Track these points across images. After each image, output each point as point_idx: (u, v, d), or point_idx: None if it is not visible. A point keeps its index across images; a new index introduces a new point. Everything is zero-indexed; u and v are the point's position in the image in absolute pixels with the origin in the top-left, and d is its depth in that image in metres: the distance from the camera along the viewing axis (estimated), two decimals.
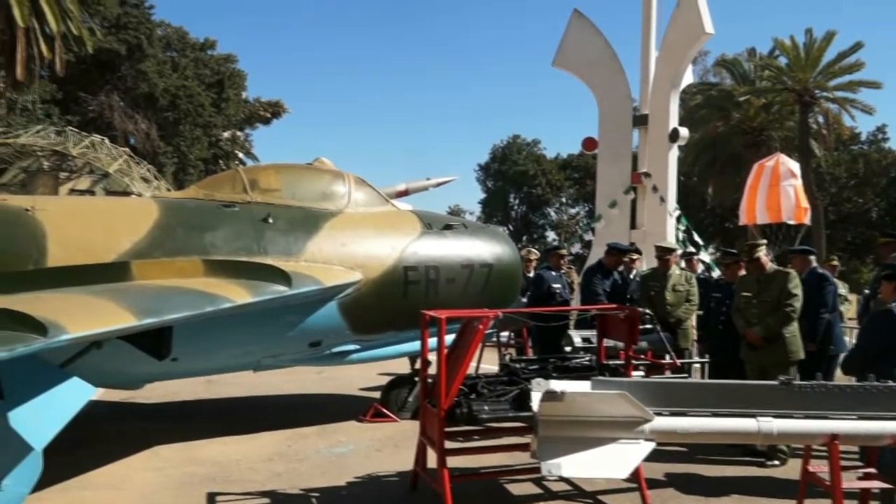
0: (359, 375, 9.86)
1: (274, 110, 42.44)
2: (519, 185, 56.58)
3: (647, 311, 6.38)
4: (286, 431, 7.19)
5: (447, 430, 4.96)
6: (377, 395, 8.29)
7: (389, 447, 6.68)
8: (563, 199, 58.58)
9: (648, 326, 6.43)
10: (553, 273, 8.66)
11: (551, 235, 58.86)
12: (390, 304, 6.89)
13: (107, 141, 20.87)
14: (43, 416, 3.98)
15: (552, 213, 59.66)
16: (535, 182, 54.65)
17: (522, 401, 4.89)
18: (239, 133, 42.25)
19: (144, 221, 6.00)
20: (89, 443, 6.49)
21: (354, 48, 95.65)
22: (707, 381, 6.47)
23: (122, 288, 4.94)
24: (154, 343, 5.00)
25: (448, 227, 7.51)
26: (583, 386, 4.20)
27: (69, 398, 4.09)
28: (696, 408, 4.27)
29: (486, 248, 7.54)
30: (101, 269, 5.26)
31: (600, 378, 4.55)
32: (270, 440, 6.92)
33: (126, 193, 18.74)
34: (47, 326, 3.52)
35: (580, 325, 7.63)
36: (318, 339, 6.74)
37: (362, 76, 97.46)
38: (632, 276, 8.60)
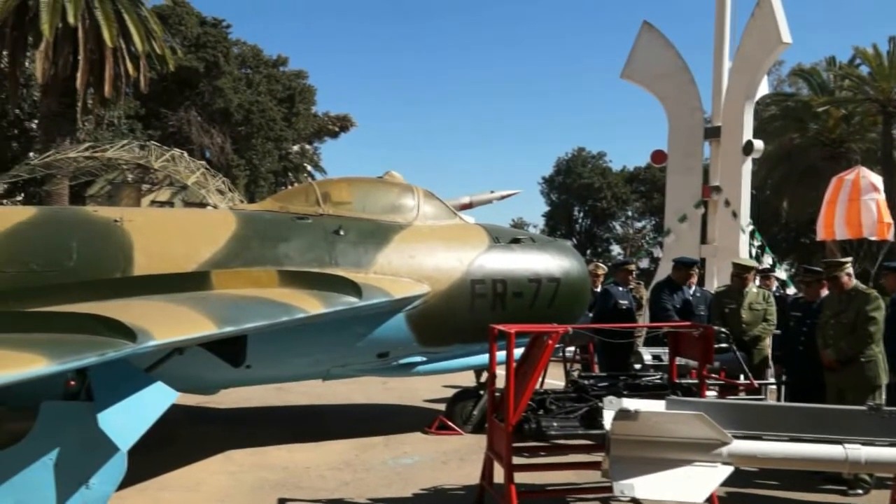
0: (423, 387, 9.91)
1: (342, 124, 43.41)
2: (583, 199, 55.93)
3: (723, 329, 6.19)
4: (353, 441, 7.28)
5: (515, 445, 4.93)
6: (442, 407, 8.31)
7: (455, 460, 6.68)
8: (629, 213, 57.57)
9: (723, 345, 6.23)
10: (620, 289, 8.52)
11: (616, 249, 57.89)
12: (457, 316, 6.91)
13: (185, 154, 21.82)
14: (129, 418, 4.16)
15: (617, 227, 58.70)
16: (600, 195, 53.93)
17: (592, 418, 4.82)
18: (308, 146, 43.39)
19: (223, 232, 6.23)
20: (166, 445, 6.75)
21: (420, 62, 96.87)
22: (788, 404, 6.22)
23: (203, 296, 5.13)
24: (231, 350, 5.18)
25: (516, 240, 7.50)
26: (657, 405, 4.10)
27: (154, 401, 4.26)
28: (775, 431, 4.11)
29: (553, 263, 7.48)
30: (183, 278, 5.48)
31: (675, 398, 4.44)
32: (338, 449, 7.02)
33: (202, 205, 19.51)
34: (136, 332, 3.69)
35: (649, 342, 7.46)
36: (386, 351, 6.83)
37: (427, 89, 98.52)
38: (691, 292, 8.32)
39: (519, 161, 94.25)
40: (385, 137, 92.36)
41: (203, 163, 22.62)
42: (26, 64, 23.01)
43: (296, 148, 40.30)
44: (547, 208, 58.33)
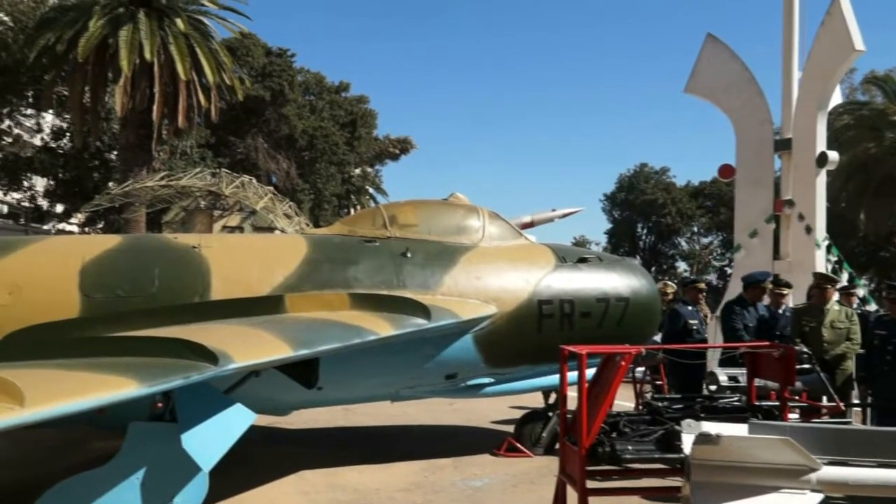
0: (490, 408, 9.85)
1: (402, 146, 44.06)
2: (647, 215, 54.88)
3: (805, 349, 5.94)
4: (422, 462, 7.29)
5: (588, 469, 4.83)
6: (509, 428, 8.24)
7: (525, 483, 6.60)
8: (695, 229, 56.14)
9: (806, 366, 5.97)
10: (689, 308, 8.30)
11: (682, 266, 56.49)
12: (525, 337, 6.87)
13: (254, 180, 22.54)
14: (211, 439, 4.30)
15: (683, 243, 57.31)
16: (664, 211, 52.81)
17: (669, 442, 4.68)
18: (369, 169, 44.19)
19: (294, 257, 6.40)
20: (241, 465, 6.91)
21: (478, 83, 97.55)
22: (878, 427, 5.89)
23: (278, 320, 5.27)
24: (304, 372, 5.29)
25: (583, 260, 7.42)
26: (739, 429, 3.96)
27: (234, 422, 4.39)
28: (864, 457, 3.90)
29: (622, 282, 7.36)
30: (258, 302, 5.64)
31: (758, 421, 4.28)
32: (407, 470, 7.04)
33: (271, 229, 20.07)
34: (218, 356, 3.82)
35: (724, 362, 7.23)
36: (454, 372, 6.84)
37: (486, 109, 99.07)
38: (780, 311, 8.05)
39: (580, 178, 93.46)
40: (445, 159, 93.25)
41: (270, 188, 23.31)
42: (106, 98, 24.30)
43: (357, 171, 41.09)
44: (609, 225, 57.50)
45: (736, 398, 5.60)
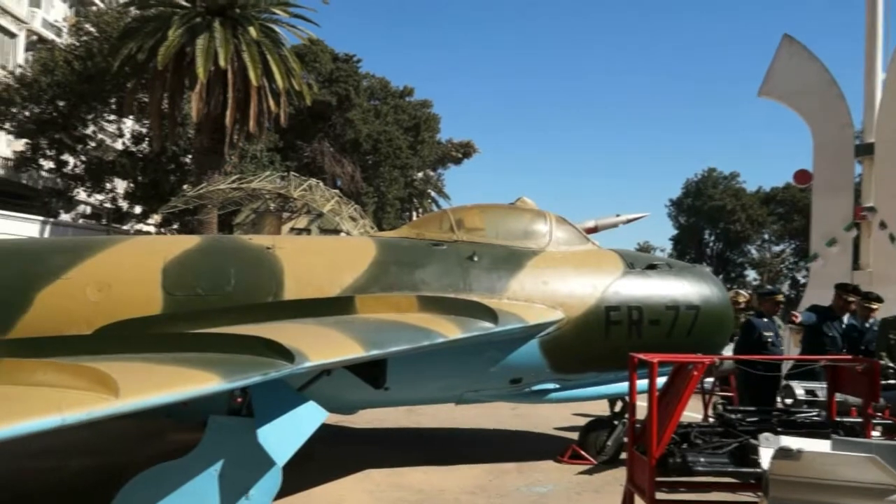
0: (553, 414, 9.78)
1: (465, 150, 44.23)
2: (715, 221, 53.39)
3: (891, 364, 5.67)
4: (485, 466, 7.30)
5: (658, 479, 4.75)
6: (573, 435, 8.17)
7: (590, 491, 6.53)
8: (766, 236, 54.29)
9: (891, 381, 5.71)
10: (764, 320, 8.02)
11: (751, 274, 54.66)
12: (591, 344, 6.81)
13: (321, 184, 23.07)
14: (285, 435, 4.43)
15: (753, 251, 55.47)
16: (733, 218, 51.27)
17: (743, 455, 4.56)
18: (432, 173, 44.55)
19: (364, 259, 6.52)
20: (308, 461, 7.07)
21: (541, 87, 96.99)
22: None
23: (350, 320, 5.38)
24: (372, 373, 5.39)
25: (652, 266, 7.29)
26: (822, 445, 3.82)
27: (306, 419, 4.52)
28: None
29: (692, 290, 7.19)
30: (330, 303, 5.77)
31: (841, 438, 4.11)
32: (471, 473, 7.06)
33: (336, 231, 20.49)
34: (294, 354, 3.94)
35: (800, 375, 6.96)
36: (519, 377, 6.83)
37: (549, 113, 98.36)
38: (867, 325, 7.68)
39: (645, 183, 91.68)
40: (507, 162, 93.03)
41: (336, 191, 23.83)
42: (182, 104, 25.32)
43: (420, 175, 41.47)
44: (675, 231, 56.23)
45: (815, 413, 5.40)
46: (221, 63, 22.04)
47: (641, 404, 5.22)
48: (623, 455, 7.43)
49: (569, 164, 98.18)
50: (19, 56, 32.35)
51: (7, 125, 27.92)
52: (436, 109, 41.19)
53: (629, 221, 27.04)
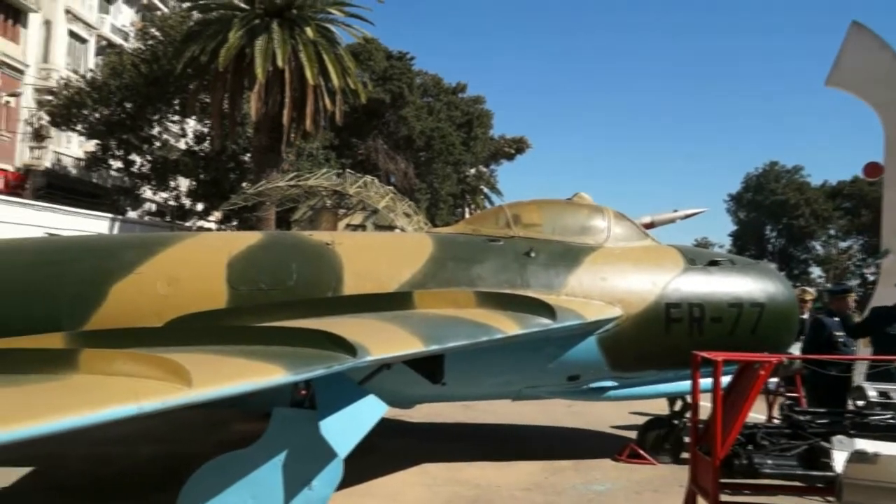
0: (610, 412, 9.66)
1: (518, 146, 44.02)
2: (777, 217, 51.74)
3: None
4: (541, 462, 7.27)
5: (721, 481, 4.64)
6: (630, 434, 8.05)
7: (649, 491, 6.43)
8: (832, 232, 52.28)
9: None
10: (834, 319, 7.73)
11: (816, 271, 52.73)
12: (651, 341, 6.69)
13: (376, 180, 23.40)
14: (346, 427, 4.51)
15: (818, 247, 53.50)
16: (796, 213, 49.58)
17: (813, 458, 4.42)
18: (484, 169, 44.48)
19: (421, 254, 6.57)
20: (366, 454, 7.17)
21: (596, 80, 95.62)
22: None
23: (408, 315, 5.43)
24: (430, 368, 5.41)
25: (714, 262, 7.12)
26: None
27: (367, 412, 4.59)
28: None
29: (756, 287, 6.99)
30: (389, 298, 5.84)
31: None
32: (527, 470, 7.04)
33: (391, 227, 20.72)
34: (356, 348, 3.99)
35: (875, 376, 6.68)
36: (577, 374, 6.77)
37: (604, 106, 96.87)
38: None
39: (703, 178, 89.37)
40: (561, 158, 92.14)
41: (391, 188, 24.10)
42: (242, 104, 25.99)
43: (473, 171, 41.47)
44: (734, 227, 54.73)
45: (889, 416, 5.18)
46: (279, 63, 22.53)
47: (703, 404, 5.11)
48: (683, 455, 7.31)
49: (624, 160, 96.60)
50: (90, 61, 33.77)
51: (79, 127, 29.21)
52: (489, 105, 41.18)
53: (687, 217, 26.38)
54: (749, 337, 6.73)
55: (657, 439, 7.42)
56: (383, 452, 7.40)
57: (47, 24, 31.92)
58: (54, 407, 2.75)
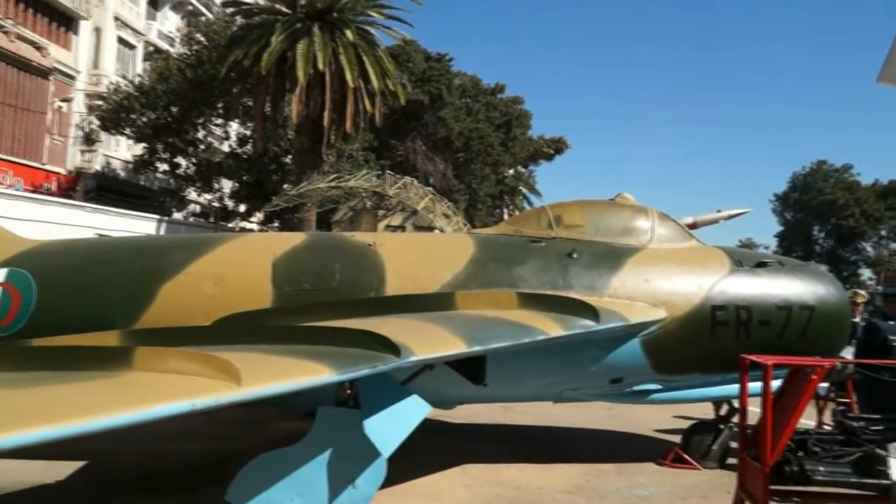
0: (652, 416, 9.52)
1: (557, 146, 43.74)
2: (825, 217, 50.35)
3: None
4: (583, 465, 7.21)
5: (771, 487, 4.54)
6: (673, 437, 7.94)
7: (695, 497, 6.32)
8: (883, 232, 50.63)
9: None
10: (889, 322, 7.47)
11: (866, 273, 51.14)
12: (696, 344, 6.58)
13: (415, 181, 23.51)
14: (390, 427, 4.54)
15: (868, 248, 51.87)
16: (845, 213, 48.17)
17: (868, 466, 4.29)
18: (523, 170, 44.30)
19: (462, 255, 6.58)
20: (408, 454, 7.21)
21: (634, 78, 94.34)
22: None
23: (451, 316, 5.44)
24: (472, 369, 5.42)
25: (761, 264, 6.96)
26: None
27: (411, 412, 4.61)
28: None
29: (806, 289, 6.82)
30: (431, 299, 5.87)
31: None
32: (568, 472, 6.99)
33: (430, 228, 20.79)
34: (400, 348, 4.02)
35: None
36: (620, 376, 6.69)
37: (643, 107, 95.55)
38: None
39: (747, 177, 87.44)
40: (601, 159, 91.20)
41: (430, 189, 24.18)
42: (283, 107, 26.40)
43: (511, 172, 41.33)
44: (780, 228, 53.44)
45: None
46: (320, 66, 22.81)
47: (752, 409, 5.01)
48: (729, 460, 7.17)
49: (665, 160, 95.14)
50: (138, 66, 34.72)
51: (127, 131, 30.05)
52: (527, 106, 40.99)
53: (730, 217, 25.81)
54: (798, 340, 6.57)
55: (703, 444, 7.29)
56: (424, 452, 7.41)
57: (97, 31, 32.91)
58: (112, 403, 2.84)
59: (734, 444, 7.39)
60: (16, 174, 27.52)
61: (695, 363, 6.70)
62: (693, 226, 23.74)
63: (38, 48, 28.96)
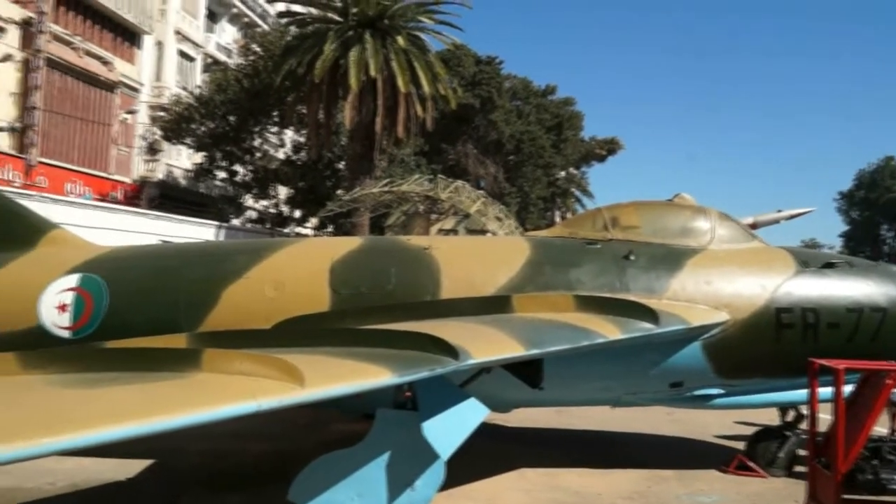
0: (713, 421, 9.28)
1: (610, 147, 43.15)
2: (893, 215, 48.16)
3: None
4: (642, 471, 7.08)
5: (845, 497, 4.38)
6: (736, 444, 7.72)
7: None
8: None
9: None
10: None
11: None
12: (760, 348, 6.39)
13: (467, 185, 23.56)
14: (448, 429, 4.56)
15: None
16: None
17: None
18: (574, 171, 43.85)
19: (518, 258, 6.55)
20: (464, 456, 7.21)
21: (690, 77, 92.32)
22: None
23: (508, 319, 5.43)
24: (529, 372, 5.39)
25: (829, 265, 6.71)
26: None
27: (469, 415, 4.62)
28: None
29: (878, 290, 6.55)
30: (487, 302, 5.86)
31: None
32: (627, 477, 6.88)
33: (482, 232, 20.78)
34: (458, 351, 4.03)
35: None
36: (681, 380, 6.55)
37: (698, 103, 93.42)
38: None
39: (810, 176, 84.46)
40: (655, 159, 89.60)
41: (482, 192, 24.19)
42: (336, 114, 26.83)
43: (563, 174, 40.97)
44: (846, 227, 51.41)
45: None
46: (372, 72, 23.09)
47: (821, 415, 4.84)
48: (796, 469, 6.93)
49: (722, 159, 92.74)
50: (197, 77, 35.85)
51: (188, 140, 31.07)
52: (579, 107, 40.57)
53: (792, 217, 24.98)
54: (869, 344, 6.32)
55: (768, 451, 7.07)
56: (481, 456, 7.39)
57: (159, 44, 34.13)
58: (183, 404, 2.94)
59: (801, 452, 7.16)
60: (85, 184, 28.75)
61: (758, 367, 6.51)
62: (753, 226, 23.09)
63: (105, 63, 30.22)
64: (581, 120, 40.63)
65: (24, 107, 26.10)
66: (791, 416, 7.23)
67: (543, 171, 36.47)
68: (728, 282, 6.49)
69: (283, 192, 32.82)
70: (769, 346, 6.39)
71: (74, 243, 7.49)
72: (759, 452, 7.09)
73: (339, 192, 27.68)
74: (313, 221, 32.52)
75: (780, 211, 24.53)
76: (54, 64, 27.38)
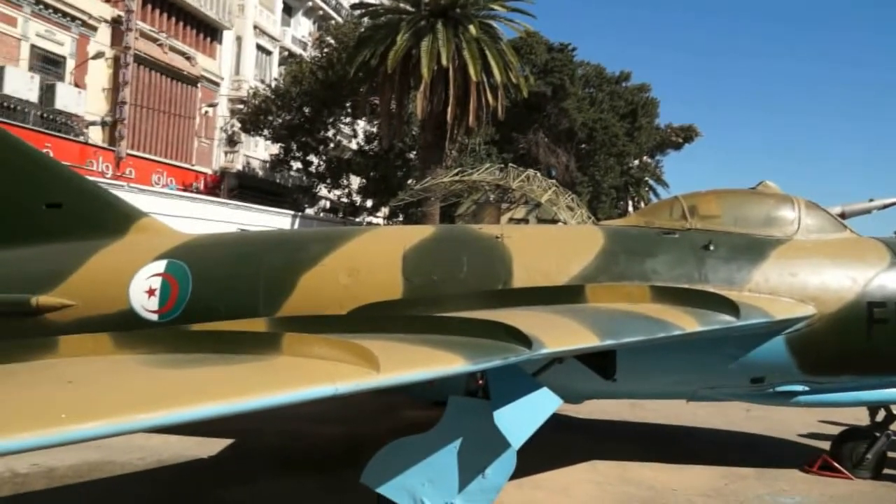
0: (795, 419, 8.92)
1: (686, 135, 41.81)
2: None
3: None
4: (720, 468, 6.88)
5: None
6: (820, 443, 7.40)
7: None
8: None
9: None
10: None
11: None
12: (849, 344, 6.07)
13: (538, 174, 23.34)
14: (520, 419, 4.52)
15: None
16: None
17: None
18: (649, 160, 42.72)
19: (592, 248, 6.43)
20: (535, 447, 7.17)
21: (768, 61, 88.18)
22: None
23: (581, 309, 5.34)
24: (603, 363, 5.29)
25: None
26: None
27: (541, 405, 4.57)
28: None
29: None
30: (560, 291, 5.79)
31: None
32: (704, 474, 6.70)
33: (554, 221, 20.56)
34: (532, 340, 4.00)
35: None
36: (762, 376, 6.30)
37: (779, 87, 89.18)
38: None
39: None
40: (734, 147, 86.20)
41: (553, 181, 23.91)
42: (407, 104, 27.05)
43: (637, 162, 40.00)
44: None
45: None
46: (443, 62, 23.15)
47: None
48: (885, 471, 6.59)
49: (808, 146, 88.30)
50: (274, 70, 36.88)
51: (265, 132, 32.03)
52: (655, 93, 39.45)
53: (885, 207, 23.50)
54: None
55: (856, 451, 6.75)
56: (552, 446, 7.34)
57: (238, 39, 35.27)
58: (265, 385, 3.04)
59: (892, 454, 6.79)
60: (169, 174, 30.12)
61: (847, 364, 6.19)
62: (842, 216, 21.89)
63: (188, 58, 31.49)
64: (656, 107, 39.51)
65: (115, 101, 27.52)
66: (881, 415, 6.85)
67: (616, 159, 35.69)
68: (815, 274, 6.18)
69: (355, 181, 33.41)
70: (860, 342, 6.05)
71: (161, 231, 7.83)
72: (845, 453, 6.77)
73: (409, 181, 27.94)
74: (384, 211, 32.98)
75: (871, 200, 23.16)
76: (141, 60, 28.76)
